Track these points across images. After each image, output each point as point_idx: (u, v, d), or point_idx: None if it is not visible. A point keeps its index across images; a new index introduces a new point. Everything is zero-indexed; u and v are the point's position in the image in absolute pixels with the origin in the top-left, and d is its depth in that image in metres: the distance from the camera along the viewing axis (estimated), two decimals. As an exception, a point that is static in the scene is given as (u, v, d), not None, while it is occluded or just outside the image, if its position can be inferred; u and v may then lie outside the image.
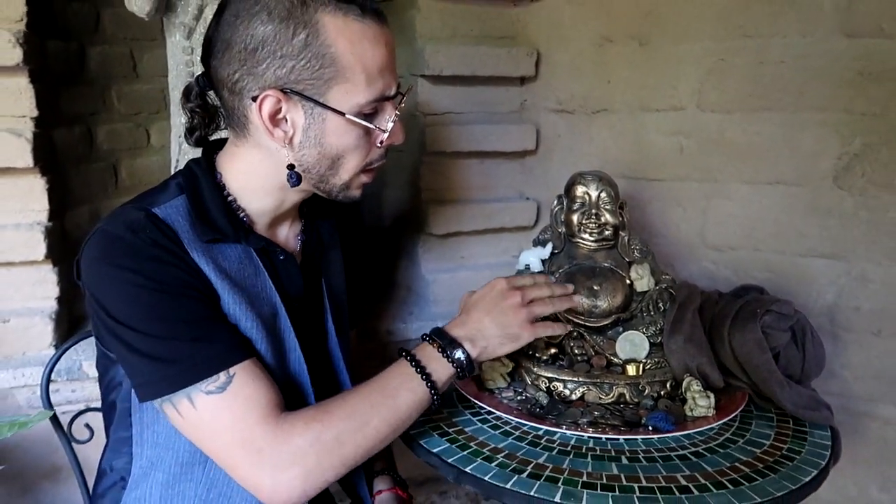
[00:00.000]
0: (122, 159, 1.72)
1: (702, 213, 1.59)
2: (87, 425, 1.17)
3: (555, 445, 1.01)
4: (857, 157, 1.41)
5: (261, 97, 0.85)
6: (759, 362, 1.11)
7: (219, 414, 0.84)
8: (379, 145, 0.93)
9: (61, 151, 1.47)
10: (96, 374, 1.01)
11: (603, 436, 1.03)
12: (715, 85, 1.51)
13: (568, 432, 1.03)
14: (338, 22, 0.83)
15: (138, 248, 0.84)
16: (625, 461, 0.97)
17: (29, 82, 1.29)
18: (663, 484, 0.91)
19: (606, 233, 1.23)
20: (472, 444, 1.02)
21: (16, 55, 1.26)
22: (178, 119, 1.35)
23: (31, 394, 1.35)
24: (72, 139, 1.53)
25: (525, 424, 1.07)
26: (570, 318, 1.18)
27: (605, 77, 1.63)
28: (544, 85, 1.70)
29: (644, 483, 0.92)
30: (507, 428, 1.06)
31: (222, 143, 0.99)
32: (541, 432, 1.05)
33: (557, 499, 0.88)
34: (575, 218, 1.23)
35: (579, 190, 1.24)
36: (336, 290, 1.08)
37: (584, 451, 1.00)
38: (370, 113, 0.89)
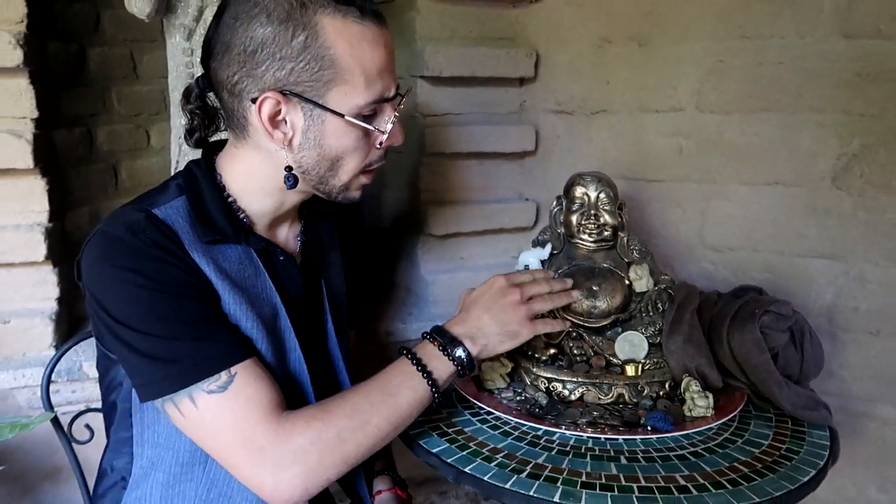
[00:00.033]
0: (122, 160, 1.72)
1: (701, 213, 1.60)
2: (88, 426, 1.17)
3: (554, 445, 1.01)
4: (855, 157, 1.42)
5: (260, 99, 0.85)
6: (757, 362, 1.11)
7: (220, 413, 0.84)
8: (378, 146, 0.94)
9: (61, 152, 1.47)
10: (96, 375, 1.01)
11: (602, 436, 1.03)
12: (714, 86, 1.52)
13: (567, 432, 1.04)
14: (337, 24, 0.84)
15: (139, 249, 0.84)
16: (624, 461, 0.97)
17: (29, 83, 1.30)
18: (662, 484, 0.92)
19: (605, 233, 1.23)
20: (471, 444, 1.02)
21: (16, 56, 1.26)
22: (178, 120, 1.35)
23: (32, 394, 1.35)
24: (72, 140, 1.53)
25: (524, 424, 1.07)
26: (570, 318, 1.18)
27: (605, 78, 1.63)
28: (543, 86, 1.70)
29: (643, 483, 0.92)
30: (506, 428, 1.07)
31: (222, 144, 0.99)
32: (540, 432, 1.05)
33: (556, 499, 0.88)
34: (574, 219, 1.24)
35: (578, 191, 1.24)
36: (336, 291, 1.08)
37: (583, 451, 1.00)
38: (369, 114, 0.90)
